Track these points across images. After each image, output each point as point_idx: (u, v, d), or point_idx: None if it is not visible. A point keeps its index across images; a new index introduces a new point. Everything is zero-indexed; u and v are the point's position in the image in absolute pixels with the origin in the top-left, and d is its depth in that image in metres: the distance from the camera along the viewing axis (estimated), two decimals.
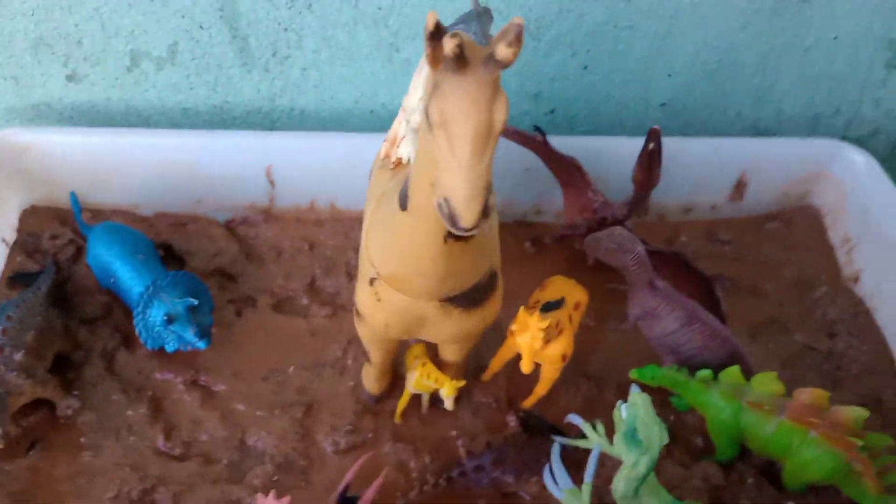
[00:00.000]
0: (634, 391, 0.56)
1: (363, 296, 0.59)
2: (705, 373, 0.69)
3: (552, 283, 0.71)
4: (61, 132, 0.87)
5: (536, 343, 0.59)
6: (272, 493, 0.58)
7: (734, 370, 0.68)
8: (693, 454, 0.72)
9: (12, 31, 0.84)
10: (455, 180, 0.42)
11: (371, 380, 0.73)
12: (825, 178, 0.92)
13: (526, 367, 0.60)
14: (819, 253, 0.91)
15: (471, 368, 0.75)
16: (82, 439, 0.70)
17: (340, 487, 0.62)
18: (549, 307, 0.61)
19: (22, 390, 0.67)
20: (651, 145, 0.75)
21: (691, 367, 0.71)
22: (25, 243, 0.84)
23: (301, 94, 0.92)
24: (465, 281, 0.54)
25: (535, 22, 0.86)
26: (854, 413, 0.64)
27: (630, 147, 0.81)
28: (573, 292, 0.70)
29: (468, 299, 0.56)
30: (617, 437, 0.56)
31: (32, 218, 0.87)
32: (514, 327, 0.59)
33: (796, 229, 0.93)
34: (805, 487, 0.68)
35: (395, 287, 0.54)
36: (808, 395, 0.65)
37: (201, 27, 0.85)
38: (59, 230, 0.85)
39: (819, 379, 0.78)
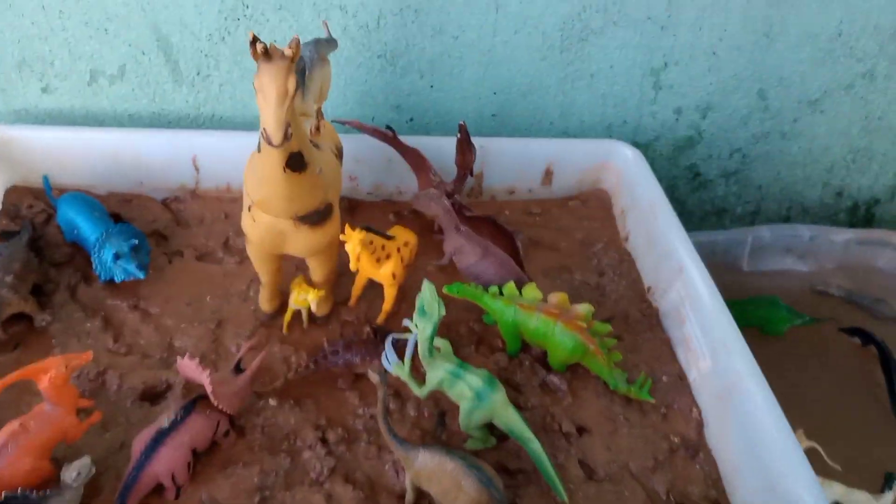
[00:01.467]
0: (425, 282, 0.87)
1: (245, 220, 0.88)
2: (494, 288, 0.99)
3: (393, 229, 1.02)
4: (36, 129, 1.15)
5: (357, 248, 0.89)
6: (188, 355, 0.86)
7: (511, 285, 0.98)
8: (492, 350, 1.01)
9: (2, 55, 1.14)
10: (267, 118, 0.72)
11: (264, 300, 1.01)
12: (608, 167, 1.25)
13: (353, 265, 0.91)
14: (604, 221, 1.23)
15: (341, 299, 1.05)
16: (53, 341, 0.96)
17: (234, 361, 0.90)
18: (368, 228, 0.92)
19: (10, 302, 0.93)
20: (459, 135, 1.07)
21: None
22: (9, 212, 1.11)
23: (219, 104, 1.22)
24: (307, 204, 0.84)
25: (390, 53, 1.19)
26: (584, 308, 0.94)
27: None
28: (403, 235, 1.01)
29: (311, 220, 0.86)
30: (414, 315, 0.87)
31: (14, 194, 1.14)
32: (342, 237, 0.90)
33: (590, 205, 1.26)
34: (564, 367, 0.97)
35: (261, 209, 0.84)
36: (556, 297, 0.96)
37: (143, 53, 1.15)
38: (34, 202, 1.13)
39: (588, 302, 1.09)
